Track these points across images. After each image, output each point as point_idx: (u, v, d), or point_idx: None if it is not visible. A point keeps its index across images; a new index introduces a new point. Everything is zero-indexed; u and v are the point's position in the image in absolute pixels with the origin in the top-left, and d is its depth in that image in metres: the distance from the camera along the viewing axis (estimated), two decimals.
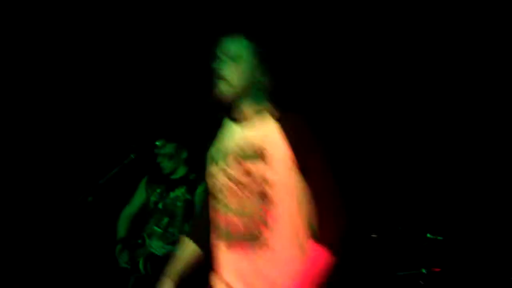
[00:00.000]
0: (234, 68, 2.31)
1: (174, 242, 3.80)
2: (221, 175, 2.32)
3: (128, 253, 4.04)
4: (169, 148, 4.12)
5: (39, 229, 4.69)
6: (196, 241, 2.48)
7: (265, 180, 2.22)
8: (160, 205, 4.07)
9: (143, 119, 4.80)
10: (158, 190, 4.12)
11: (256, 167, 2.23)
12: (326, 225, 2.19)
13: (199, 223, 2.51)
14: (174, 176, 4.14)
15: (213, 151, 2.43)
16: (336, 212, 2.21)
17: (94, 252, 4.59)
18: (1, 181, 4.69)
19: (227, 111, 2.38)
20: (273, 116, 2.31)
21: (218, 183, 2.33)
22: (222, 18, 4.18)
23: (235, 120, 2.38)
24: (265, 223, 2.22)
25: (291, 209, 2.23)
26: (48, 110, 4.83)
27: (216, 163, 2.36)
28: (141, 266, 3.96)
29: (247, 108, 2.33)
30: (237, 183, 2.27)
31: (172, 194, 4.06)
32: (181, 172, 4.14)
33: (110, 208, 4.31)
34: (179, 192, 4.04)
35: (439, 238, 3.82)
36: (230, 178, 2.29)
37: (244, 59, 2.33)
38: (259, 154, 2.24)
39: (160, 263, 3.87)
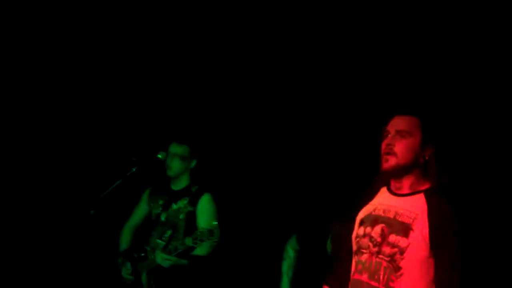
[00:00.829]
0: (404, 144, 2.52)
1: (178, 254, 3.76)
2: (366, 238, 2.55)
3: (131, 266, 4.02)
4: (182, 150, 4.05)
5: (40, 243, 4.68)
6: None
7: (400, 250, 2.44)
8: (162, 217, 4.04)
9: (144, 131, 4.79)
10: (161, 202, 4.10)
11: (397, 239, 2.45)
12: None
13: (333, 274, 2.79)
14: (176, 187, 4.11)
15: (363, 214, 2.64)
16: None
17: (96, 266, 4.57)
18: (3, 196, 4.69)
19: (387, 181, 2.63)
20: (426, 193, 2.50)
21: (363, 244, 2.56)
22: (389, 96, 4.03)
23: (391, 189, 2.61)
24: None
25: (415, 280, 2.43)
26: (50, 123, 4.82)
27: (364, 227, 2.58)
28: (143, 279, 3.94)
29: (407, 181, 2.55)
30: (377, 247, 2.50)
31: (174, 206, 4.03)
32: (184, 181, 4.10)
33: (112, 221, 4.29)
34: (182, 204, 4.02)
35: None
36: (372, 243, 2.52)
37: (414, 136, 2.54)
38: (404, 231, 2.44)
39: (164, 276, 3.87)
